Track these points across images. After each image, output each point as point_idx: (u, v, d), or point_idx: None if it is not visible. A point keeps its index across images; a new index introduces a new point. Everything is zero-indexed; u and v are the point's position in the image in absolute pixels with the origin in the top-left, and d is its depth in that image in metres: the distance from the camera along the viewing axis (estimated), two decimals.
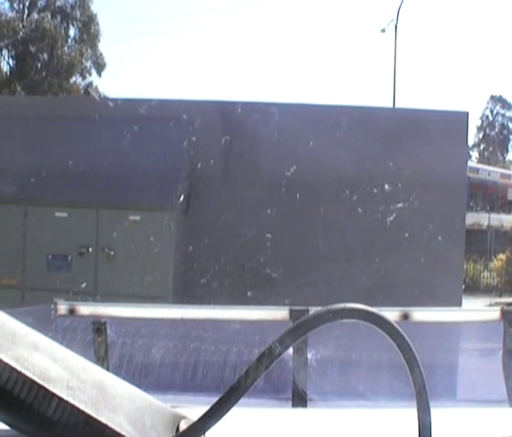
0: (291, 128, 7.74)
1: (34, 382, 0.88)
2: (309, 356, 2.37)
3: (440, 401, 1.49)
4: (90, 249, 8.09)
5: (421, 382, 0.96)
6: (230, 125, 7.93)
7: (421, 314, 2.64)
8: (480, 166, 48.60)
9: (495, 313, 2.56)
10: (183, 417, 0.99)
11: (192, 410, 1.00)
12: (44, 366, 0.91)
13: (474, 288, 23.93)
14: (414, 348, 0.96)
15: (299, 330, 0.96)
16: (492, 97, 54.57)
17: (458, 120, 8.32)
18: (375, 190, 7.49)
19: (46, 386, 0.89)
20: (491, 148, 55.91)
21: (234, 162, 8.01)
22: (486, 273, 24.90)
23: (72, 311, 2.60)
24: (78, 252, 8.09)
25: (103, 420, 0.91)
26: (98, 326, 2.49)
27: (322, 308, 0.96)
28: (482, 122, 56.88)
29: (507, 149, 56.15)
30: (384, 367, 2.67)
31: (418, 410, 0.97)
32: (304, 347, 2.30)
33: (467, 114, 8.52)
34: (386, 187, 7.47)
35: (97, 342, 2.43)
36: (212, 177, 7.83)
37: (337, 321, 0.96)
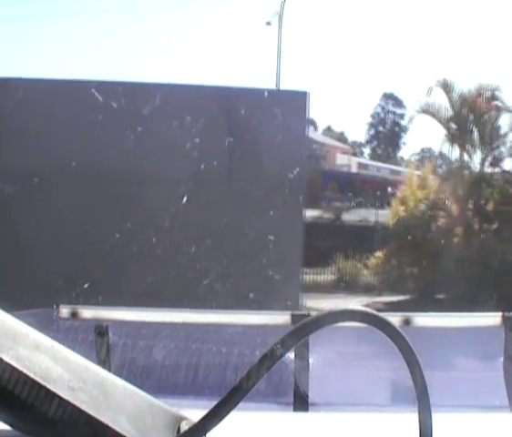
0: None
1: (35, 382, 0.89)
2: (310, 360, 2.37)
3: (441, 406, 1.49)
4: None
5: (422, 386, 0.95)
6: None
7: (423, 319, 2.64)
8: (370, 162, 48.68)
9: (496, 319, 2.56)
10: (184, 418, 0.99)
11: (193, 411, 1.00)
12: (45, 366, 0.91)
13: (354, 286, 23.34)
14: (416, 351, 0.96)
15: (300, 332, 0.96)
16: (384, 95, 54.18)
17: (298, 100, 7.82)
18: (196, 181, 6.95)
19: (48, 386, 0.89)
20: (383, 145, 55.87)
21: None
22: (365, 271, 23.99)
23: (74, 315, 2.61)
24: None
25: (104, 420, 0.91)
26: (100, 329, 2.49)
27: (324, 310, 0.96)
28: (374, 119, 56.95)
29: (399, 146, 56.11)
30: (386, 370, 2.67)
31: (419, 413, 0.96)
32: (306, 350, 2.30)
33: (306, 93, 8.02)
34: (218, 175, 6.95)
35: (99, 344, 2.44)
36: None
37: (339, 324, 0.96)
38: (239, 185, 7.15)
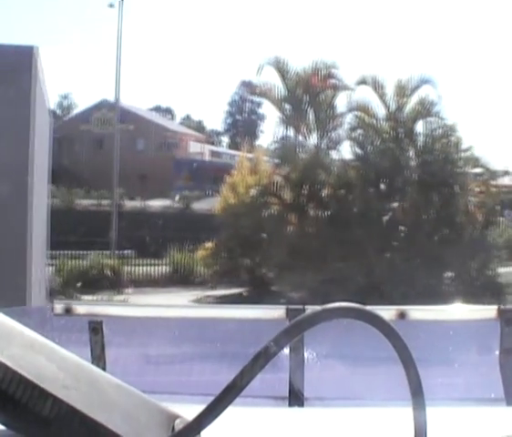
0: None
1: (29, 381, 0.88)
2: (305, 355, 2.37)
3: (436, 400, 1.49)
4: None
5: (416, 382, 0.96)
6: None
7: (418, 313, 2.65)
8: (223, 150, 48.08)
9: (491, 312, 2.57)
10: (179, 416, 0.99)
11: (188, 409, 1.00)
12: (39, 365, 0.91)
13: (189, 279, 22.56)
14: (410, 346, 0.96)
15: (294, 329, 0.96)
16: (242, 83, 53.28)
17: (19, 57, 6.54)
18: None
19: (42, 385, 0.89)
20: (241, 134, 55.44)
21: None
22: (201, 263, 22.85)
23: (68, 310, 2.60)
24: None
25: (98, 419, 0.91)
26: (95, 325, 2.48)
27: (318, 307, 0.96)
28: (231, 107, 56.58)
29: (257, 135, 55.55)
30: (381, 366, 2.67)
31: (414, 409, 0.97)
32: (301, 346, 2.30)
33: (33, 48, 6.74)
34: None
35: (94, 341, 2.43)
36: None
37: (333, 320, 0.96)
38: None
